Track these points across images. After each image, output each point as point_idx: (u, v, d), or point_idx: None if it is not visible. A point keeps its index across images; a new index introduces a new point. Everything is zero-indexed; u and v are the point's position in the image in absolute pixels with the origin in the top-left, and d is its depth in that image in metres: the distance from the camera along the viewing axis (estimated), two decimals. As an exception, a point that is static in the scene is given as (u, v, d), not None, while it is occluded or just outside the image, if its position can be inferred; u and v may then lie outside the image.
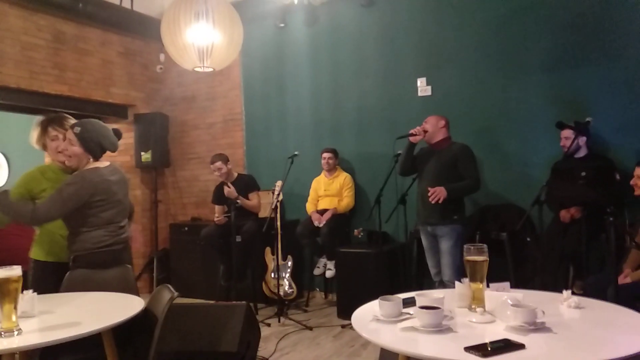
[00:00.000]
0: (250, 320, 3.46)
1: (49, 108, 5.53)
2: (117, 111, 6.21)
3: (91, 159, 2.71)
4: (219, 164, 5.12)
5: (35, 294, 2.10)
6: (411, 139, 3.97)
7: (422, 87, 4.93)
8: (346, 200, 5.07)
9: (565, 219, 3.83)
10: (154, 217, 6.35)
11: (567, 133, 3.92)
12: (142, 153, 6.10)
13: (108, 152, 2.80)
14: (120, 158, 6.37)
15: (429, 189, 3.70)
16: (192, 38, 3.80)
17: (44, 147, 3.00)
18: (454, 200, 3.77)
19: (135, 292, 2.57)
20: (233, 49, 4.03)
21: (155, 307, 2.24)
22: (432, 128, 3.93)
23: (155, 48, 6.19)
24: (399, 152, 4.21)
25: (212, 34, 3.82)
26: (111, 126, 6.60)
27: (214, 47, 3.85)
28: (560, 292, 2.06)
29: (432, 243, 3.92)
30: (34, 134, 3.02)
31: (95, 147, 2.70)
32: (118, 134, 2.89)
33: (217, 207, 5.24)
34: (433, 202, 3.66)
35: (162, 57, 6.07)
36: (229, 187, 4.88)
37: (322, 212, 5.03)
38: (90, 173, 2.63)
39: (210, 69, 4.04)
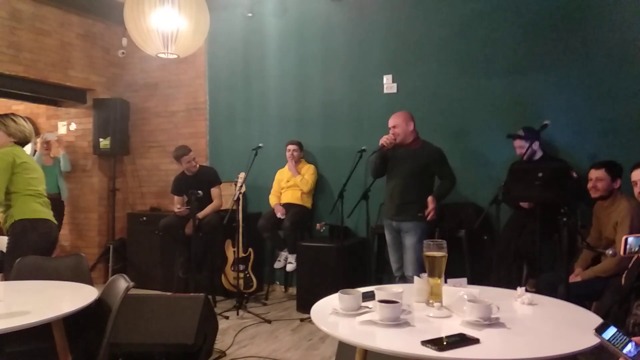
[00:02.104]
0: (207, 312, 3.41)
1: (3, 89, 5.31)
2: (76, 95, 6.01)
3: None
4: (192, 154, 5.05)
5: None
6: (383, 150, 3.86)
7: (388, 84, 4.97)
8: (307, 178, 5.03)
9: (526, 206, 3.93)
10: (111, 206, 6.18)
11: (520, 142, 4.01)
12: (101, 139, 5.92)
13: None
14: (78, 143, 6.19)
15: (429, 207, 3.78)
16: (157, 23, 3.71)
17: None
18: (419, 199, 3.82)
19: (89, 281, 2.50)
20: (199, 37, 3.95)
21: (109, 297, 2.18)
22: (403, 133, 3.88)
23: (118, 32, 6.02)
24: (364, 147, 4.23)
25: (177, 20, 3.73)
26: (69, 110, 6.42)
27: (179, 34, 3.76)
28: (515, 288, 2.11)
29: (396, 239, 3.95)
30: None
31: None
32: None
33: (176, 198, 5.15)
34: (431, 218, 3.78)
35: (124, 41, 5.90)
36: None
37: (285, 205, 5.01)
38: None
39: (175, 56, 3.95)
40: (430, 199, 3.80)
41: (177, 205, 5.07)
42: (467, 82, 4.63)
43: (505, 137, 4.25)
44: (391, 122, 3.94)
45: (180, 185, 5.12)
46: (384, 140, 3.84)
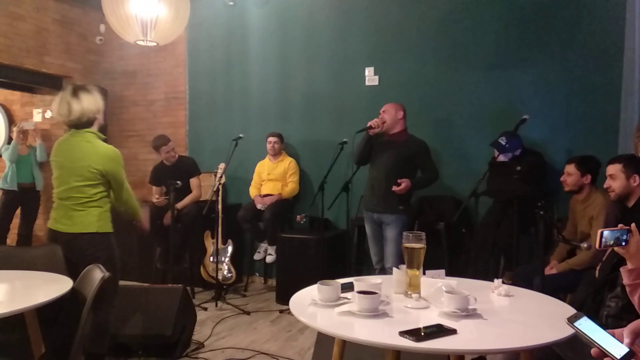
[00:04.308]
0: (186, 303, 3.40)
1: (-25, 74, 5.17)
2: (51, 82, 5.87)
3: None
4: (171, 144, 4.98)
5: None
6: (370, 131, 3.86)
7: (370, 76, 4.96)
8: (291, 186, 5.04)
9: None
10: (88, 196, 6.07)
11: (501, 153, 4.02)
12: (78, 128, 5.81)
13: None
14: (55, 131, 6.05)
15: (399, 180, 3.70)
16: (136, 10, 3.65)
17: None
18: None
19: (64, 271, 2.45)
20: (178, 24, 3.90)
21: (84, 288, 2.14)
22: (391, 119, 3.87)
23: (96, 18, 5.89)
24: (345, 140, 4.22)
25: (157, 7, 3.68)
26: (45, 97, 6.27)
27: (158, 21, 3.71)
28: (492, 280, 2.14)
29: (377, 231, 3.95)
30: (94, 100, 2.89)
31: None
32: None
33: (154, 188, 5.09)
34: (398, 192, 3.69)
35: (102, 27, 5.78)
36: None
37: (265, 197, 4.98)
38: None
39: (154, 44, 3.90)
40: (406, 180, 3.73)
41: (155, 195, 5.01)
42: (448, 76, 4.65)
43: (485, 128, 4.31)
44: (382, 108, 3.95)
45: (158, 175, 5.05)
46: (372, 121, 3.84)
